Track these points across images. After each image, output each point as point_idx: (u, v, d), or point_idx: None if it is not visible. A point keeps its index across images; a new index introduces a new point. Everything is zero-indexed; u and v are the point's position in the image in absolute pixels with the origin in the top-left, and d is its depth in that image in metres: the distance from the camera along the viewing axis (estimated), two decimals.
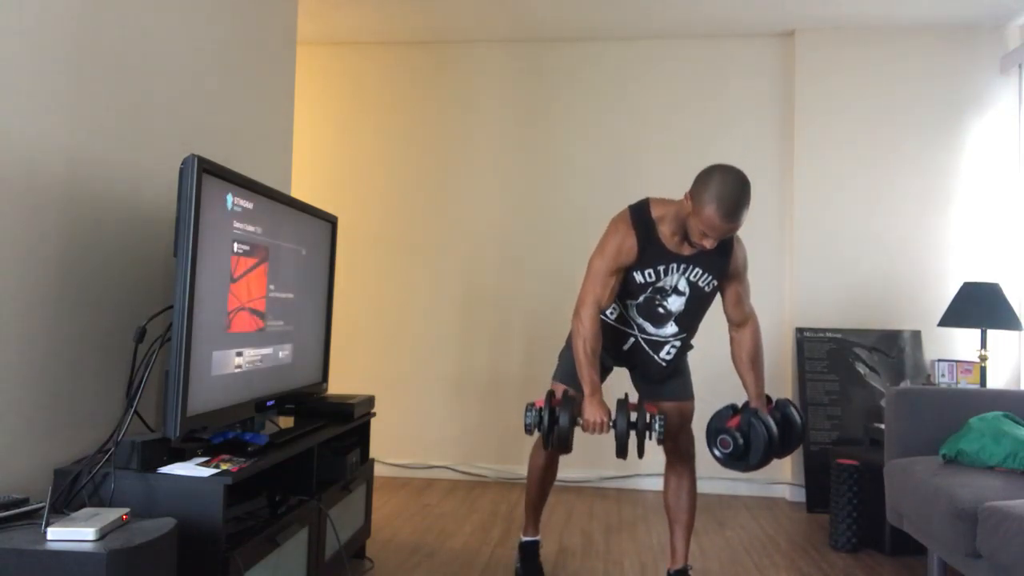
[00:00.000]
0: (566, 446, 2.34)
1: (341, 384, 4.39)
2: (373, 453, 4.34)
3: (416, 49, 4.46)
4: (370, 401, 2.90)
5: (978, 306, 3.33)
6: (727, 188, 2.12)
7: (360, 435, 2.89)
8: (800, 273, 4.06)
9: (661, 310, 2.43)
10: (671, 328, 2.45)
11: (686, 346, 2.52)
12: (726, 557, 3.03)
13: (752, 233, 4.19)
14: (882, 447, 3.10)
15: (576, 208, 4.31)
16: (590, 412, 2.31)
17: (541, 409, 2.31)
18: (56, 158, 1.88)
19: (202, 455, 1.93)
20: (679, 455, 2.56)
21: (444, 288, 4.38)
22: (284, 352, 2.43)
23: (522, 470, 4.17)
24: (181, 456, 1.89)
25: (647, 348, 2.50)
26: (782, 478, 4.08)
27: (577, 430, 2.34)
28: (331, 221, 2.84)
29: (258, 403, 2.23)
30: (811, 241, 4.05)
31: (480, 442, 4.31)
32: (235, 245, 2.05)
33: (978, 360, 3.53)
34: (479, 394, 4.32)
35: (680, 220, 2.30)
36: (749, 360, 2.45)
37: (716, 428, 2.38)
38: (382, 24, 4.20)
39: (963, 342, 3.93)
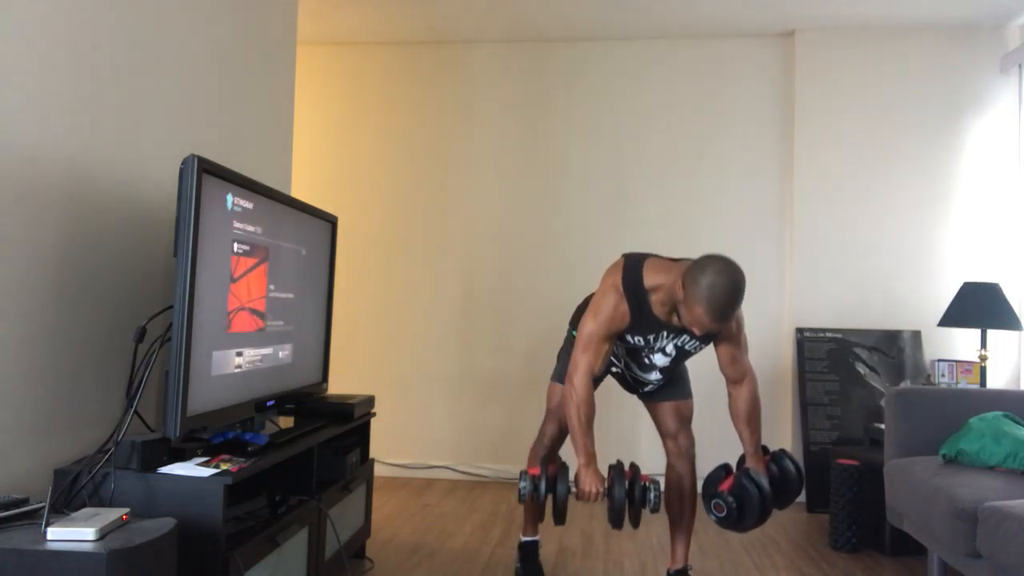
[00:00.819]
0: (562, 518, 2.29)
1: (341, 384, 4.39)
2: (373, 453, 4.35)
3: (416, 49, 4.46)
4: (370, 401, 2.90)
5: (978, 306, 3.32)
6: (718, 293, 2.07)
7: (360, 435, 2.89)
8: (800, 273, 4.06)
9: (647, 361, 2.46)
10: (655, 375, 2.50)
11: (671, 378, 2.56)
12: (726, 557, 3.03)
13: (752, 233, 4.19)
14: (882, 447, 3.10)
15: (576, 208, 4.31)
16: (585, 482, 2.27)
17: (535, 477, 2.27)
18: (56, 158, 1.88)
19: (202, 455, 1.93)
20: (679, 455, 2.57)
21: (444, 288, 4.38)
22: (284, 352, 2.43)
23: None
24: (181, 456, 1.88)
25: (629, 380, 2.57)
26: None
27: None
28: (331, 221, 2.84)
29: (258, 403, 2.23)
30: (811, 241, 4.05)
31: (480, 442, 4.31)
32: (235, 245, 2.05)
33: (978, 360, 3.52)
34: (479, 394, 4.32)
35: (672, 297, 2.25)
36: (745, 416, 2.43)
37: (710, 493, 2.37)
38: (382, 24, 4.20)
39: (963, 342, 3.93)
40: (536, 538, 2.78)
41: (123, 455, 1.80)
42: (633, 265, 2.31)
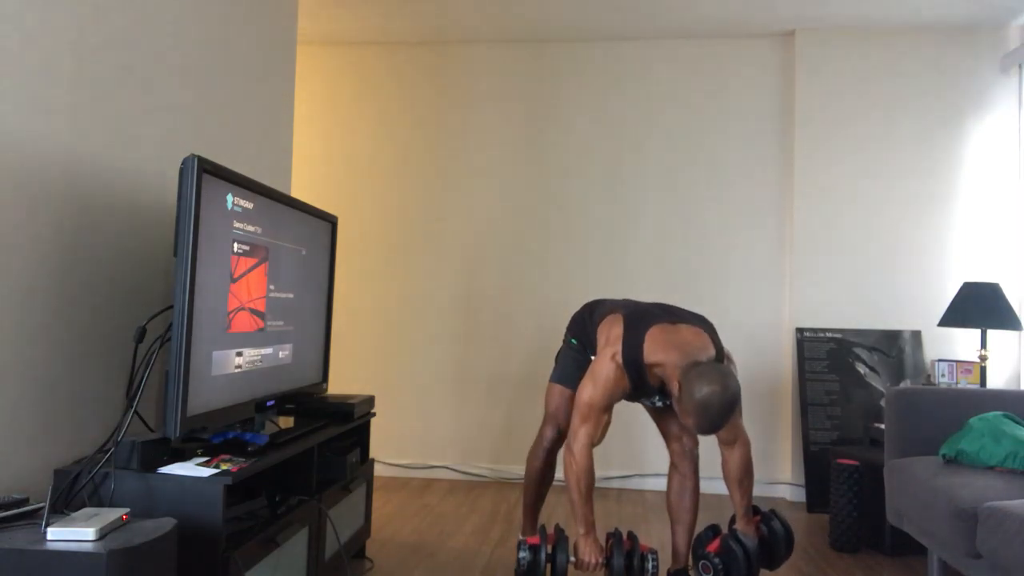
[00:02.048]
0: None
1: (341, 384, 4.39)
2: (373, 453, 4.35)
3: (416, 49, 4.46)
4: (370, 401, 2.90)
5: (978, 306, 3.32)
6: (711, 411, 2.11)
7: (360, 435, 2.89)
8: (800, 273, 4.06)
9: (645, 398, 2.48)
10: (658, 403, 2.51)
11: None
12: None
13: (752, 233, 4.19)
14: (882, 447, 3.10)
15: (576, 208, 4.31)
16: (584, 552, 2.29)
17: (535, 547, 2.29)
18: (56, 158, 1.88)
19: (202, 455, 1.93)
20: (684, 455, 2.57)
21: (444, 288, 4.38)
22: (284, 352, 2.43)
23: (521, 470, 4.18)
24: (181, 456, 1.88)
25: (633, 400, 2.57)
26: (782, 478, 4.08)
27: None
28: (331, 221, 2.84)
29: (258, 403, 2.23)
30: (811, 241, 4.05)
31: (480, 442, 4.31)
32: (235, 245, 2.05)
33: (978, 360, 3.52)
34: (479, 394, 4.32)
35: (669, 381, 2.25)
36: (737, 479, 2.44)
37: (698, 554, 2.41)
38: (382, 24, 4.20)
39: (963, 342, 3.93)
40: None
41: (123, 455, 1.80)
42: (633, 337, 2.29)
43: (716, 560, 2.33)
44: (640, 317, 2.32)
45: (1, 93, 1.71)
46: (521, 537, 2.39)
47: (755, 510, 2.48)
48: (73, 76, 1.94)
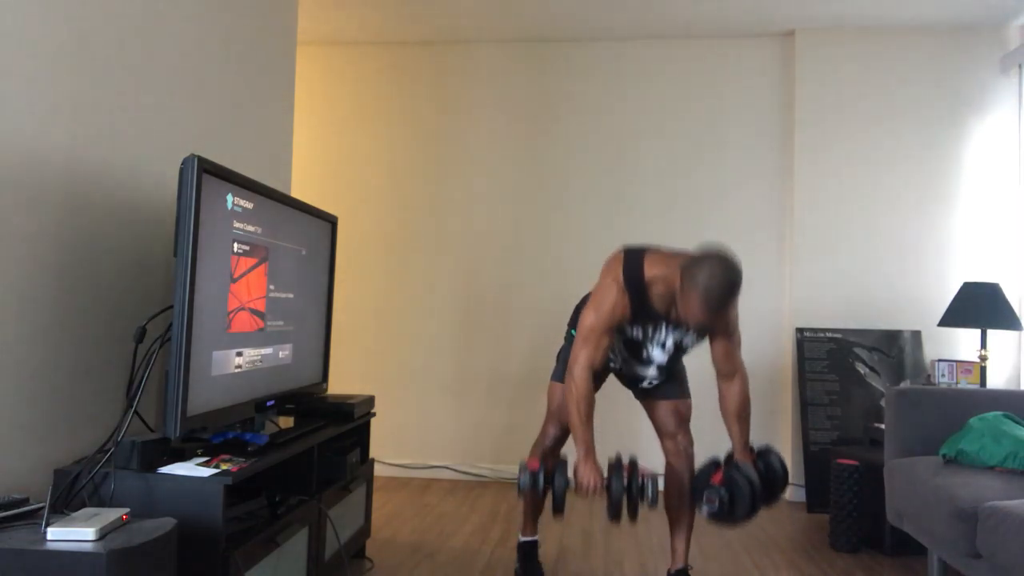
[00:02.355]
0: (561, 511, 2.31)
1: (341, 384, 4.39)
2: (373, 453, 4.34)
3: (416, 49, 4.46)
4: (370, 401, 2.90)
5: (978, 306, 3.32)
6: (714, 288, 2.10)
7: (360, 435, 2.89)
8: (800, 273, 4.06)
9: (644, 356, 2.46)
10: (652, 370, 2.50)
11: (670, 373, 2.54)
12: (726, 557, 3.02)
13: (752, 233, 4.19)
14: (882, 447, 3.10)
15: (576, 208, 4.31)
16: (583, 475, 2.29)
17: (535, 472, 2.29)
18: (56, 158, 1.88)
19: (202, 455, 1.93)
20: (678, 454, 2.57)
21: (444, 288, 4.38)
22: (284, 352, 2.43)
23: None
24: (181, 456, 1.88)
25: (627, 376, 2.56)
26: None
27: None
28: (331, 221, 2.84)
29: (258, 403, 2.23)
30: (811, 241, 4.05)
31: (480, 442, 4.31)
32: (235, 245, 2.05)
33: (978, 360, 3.52)
34: (479, 394, 4.32)
35: (670, 288, 2.27)
36: (735, 413, 2.45)
37: (701, 486, 2.39)
38: (382, 24, 4.20)
39: (963, 342, 3.93)
40: (535, 538, 2.77)
41: (123, 455, 1.80)
42: (633, 258, 2.32)
43: (722, 491, 2.31)
44: (639, 249, 2.36)
45: (1, 93, 1.71)
46: (523, 461, 2.36)
47: (749, 448, 2.48)
48: (73, 76, 1.94)
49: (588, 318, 2.35)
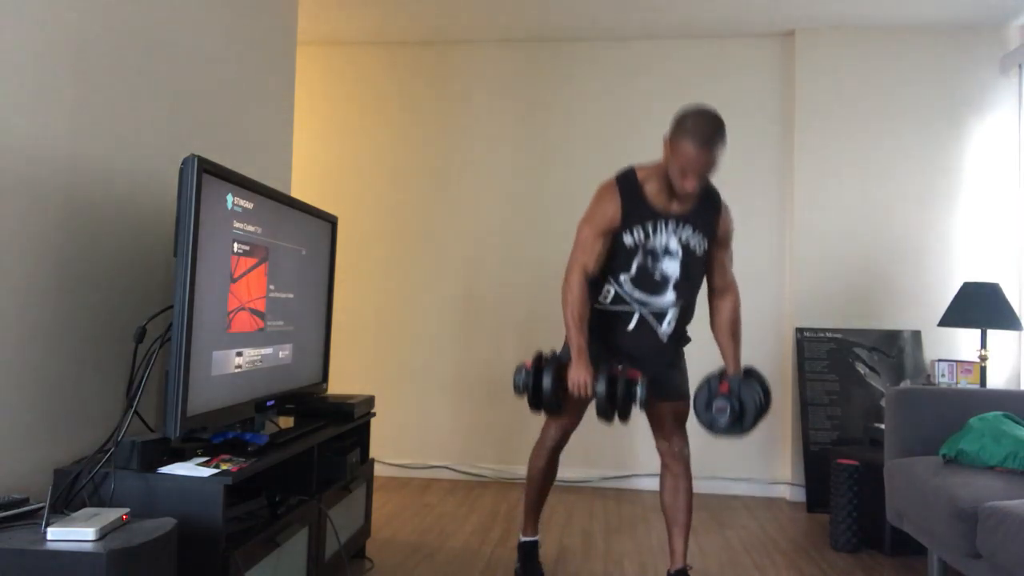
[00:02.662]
0: (551, 408, 2.38)
1: (341, 384, 4.39)
2: (373, 453, 4.34)
3: (416, 49, 4.46)
4: (370, 401, 2.90)
5: (978, 306, 3.32)
6: (699, 121, 2.22)
7: (360, 435, 2.89)
8: (800, 273, 4.06)
9: (657, 276, 2.42)
10: (670, 295, 2.44)
11: (686, 316, 2.52)
12: (726, 557, 3.03)
13: (752, 233, 4.19)
14: (882, 447, 3.10)
15: (576, 208, 4.29)
16: (575, 373, 2.35)
17: (530, 370, 2.37)
18: (56, 158, 1.88)
19: (202, 455, 1.93)
20: (674, 456, 2.57)
21: (444, 288, 4.38)
22: (284, 352, 2.43)
23: (522, 470, 4.17)
24: (181, 456, 1.88)
25: (650, 321, 2.47)
26: (782, 478, 4.08)
27: (575, 434, 2.44)
28: (331, 221, 2.84)
29: (258, 403, 2.23)
30: (811, 241, 4.05)
31: (480, 442, 4.31)
32: (235, 245, 2.05)
33: (978, 360, 3.52)
34: (479, 394, 4.32)
35: (663, 175, 2.35)
36: (728, 328, 2.50)
37: (709, 397, 2.41)
38: (382, 24, 4.20)
39: (963, 342, 3.93)
40: (536, 538, 2.77)
41: (123, 455, 1.80)
42: (624, 168, 2.47)
43: (733, 400, 2.36)
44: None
45: (1, 93, 1.71)
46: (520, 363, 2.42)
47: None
48: (73, 76, 1.94)
49: (581, 225, 2.43)
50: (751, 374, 2.46)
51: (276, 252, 2.33)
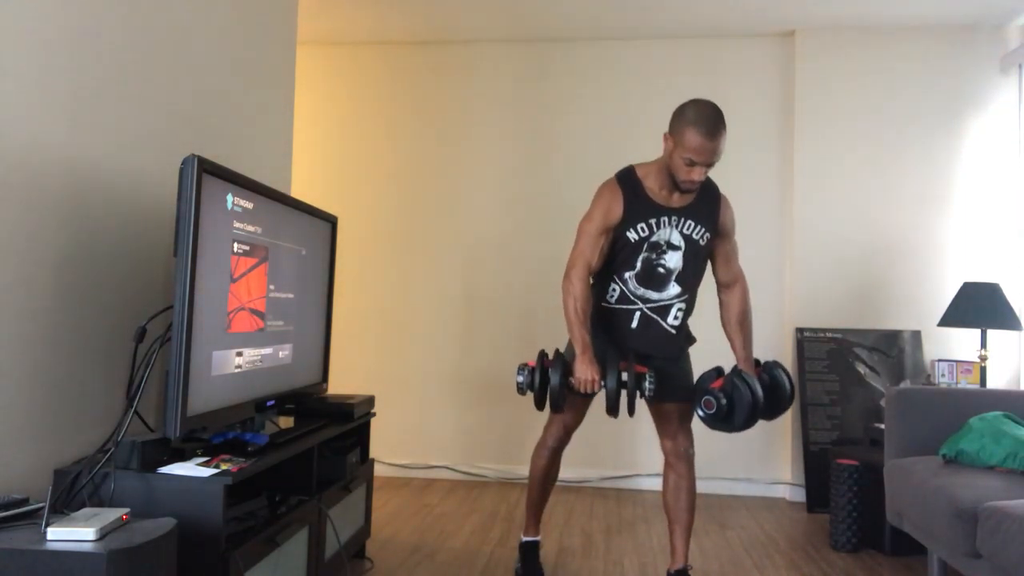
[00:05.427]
0: (558, 406, 2.36)
1: (341, 384, 4.39)
2: (373, 453, 4.34)
3: (416, 49, 4.46)
4: (370, 401, 2.90)
5: (978, 306, 3.32)
6: (701, 110, 2.23)
7: (360, 435, 2.89)
8: (800, 273, 4.06)
9: (661, 270, 2.43)
10: (674, 288, 2.45)
11: (690, 308, 2.52)
12: (726, 557, 3.03)
13: (752, 233, 4.18)
14: (882, 447, 3.10)
15: (576, 208, 4.29)
16: (580, 370, 2.33)
17: (534, 369, 2.34)
18: (56, 158, 1.88)
19: (202, 455, 1.93)
20: (678, 455, 2.56)
21: (444, 288, 4.38)
22: (284, 352, 2.43)
23: (522, 470, 4.17)
24: (181, 456, 1.88)
25: (655, 316, 2.47)
26: (782, 478, 4.08)
27: (575, 434, 2.40)
28: (331, 221, 2.84)
29: (258, 403, 2.23)
30: (811, 241, 4.05)
31: (480, 442, 4.31)
32: (235, 245, 2.05)
33: (978, 360, 3.52)
34: (479, 394, 4.32)
35: (664, 171, 2.36)
36: (737, 321, 2.49)
37: (701, 389, 2.40)
38: (382, 24, 4.20)
39: (963, 342, 3.93)
40: (536, 538, 2.78)
41: (123, 455, 1.80)
42: (624, 167, 2.49)
43: (720, 395, 2.32)
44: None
45: (1, 94, 1.71)
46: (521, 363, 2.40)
47: (756, 361, 2.47)
48: (73, 76, 1.94)
49: (583, 223, 2.44)
50: (772, 368, 2.43)
51: (276, 252, 2.33)
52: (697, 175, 2.27)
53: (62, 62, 1.90)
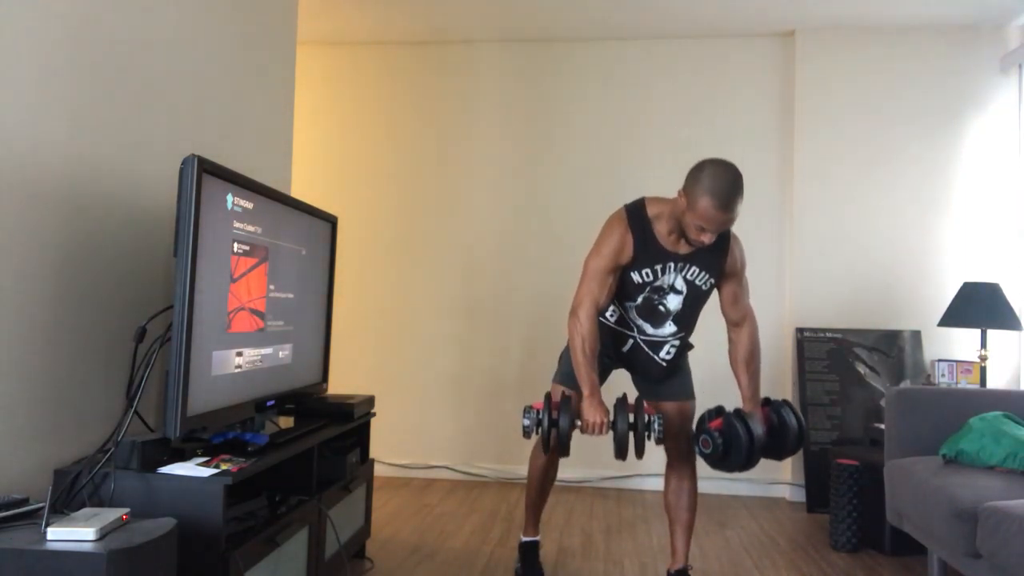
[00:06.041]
0: (565, 450, 2.32)
1: (341, 384, 4.39)
2: (373, 453, 4.34)
3: (416, 49, 4.46)
4: (370, 401, 2.90)
5: (978, 306, 3.32)
6: (719, 180, 2.15)
7: (360, 435, 2.89)
8: (800, 273, 4.06)
9: (661, 308, 2.43)
10: (669, 327, 2.45)
11: (685, 345, 2.52)
12: (726, 557, 3.02)
13: (752, 233, 4.18)
14: (882, 447, 3.10)
15: (576, 208, 4.31)
16: (589, 413, 2.28)
17: (539, 412, 2.28)
18: (56, 158, 1.88)
19: (202, 455, 1.93)
20: (679, 455, 2.56)
21: (444, 288, 4.38)
22: (284, 352, 2.43)
23: (522, 470, 4.17)
24: (181, 456, 1.88)
25: (647, 348, 2.49)
26: (782, 478, 4.08)
27: (576, 432, 2.37)
28: (331, 221, 2.84)
29: (258, 403, 2.23)
30: (811, 241, 4.05)
31: (480, 442, 4.31)
32: (235, 245, 2.05)
33: (978, 360, 3.52)
34: (479, 394, 4.32)
35: (675, 218, 2.31)
36: (744, 361, 2.45)
37: (700, 429, 2.38)
38: (382, 24, 4.20)
39: (963, 342, 3.93)
40: (536, 538, 2.78)
41: (123, 455, 1.80)
42: (635, 202, 2.40)
43: (717, 436, 2.28)
44: (639, 199, 2.43)
45: (1, 93, 1.71)
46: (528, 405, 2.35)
47: (765, 400, 2.43)
48: (73, 76, 1.94)
49: (592, 261, 2.38)
50: (780, 407, 2.37)
51: (276, 252, 2.33)
52: (707, 239, 2.23)
53: (62, 62, 1.90)
